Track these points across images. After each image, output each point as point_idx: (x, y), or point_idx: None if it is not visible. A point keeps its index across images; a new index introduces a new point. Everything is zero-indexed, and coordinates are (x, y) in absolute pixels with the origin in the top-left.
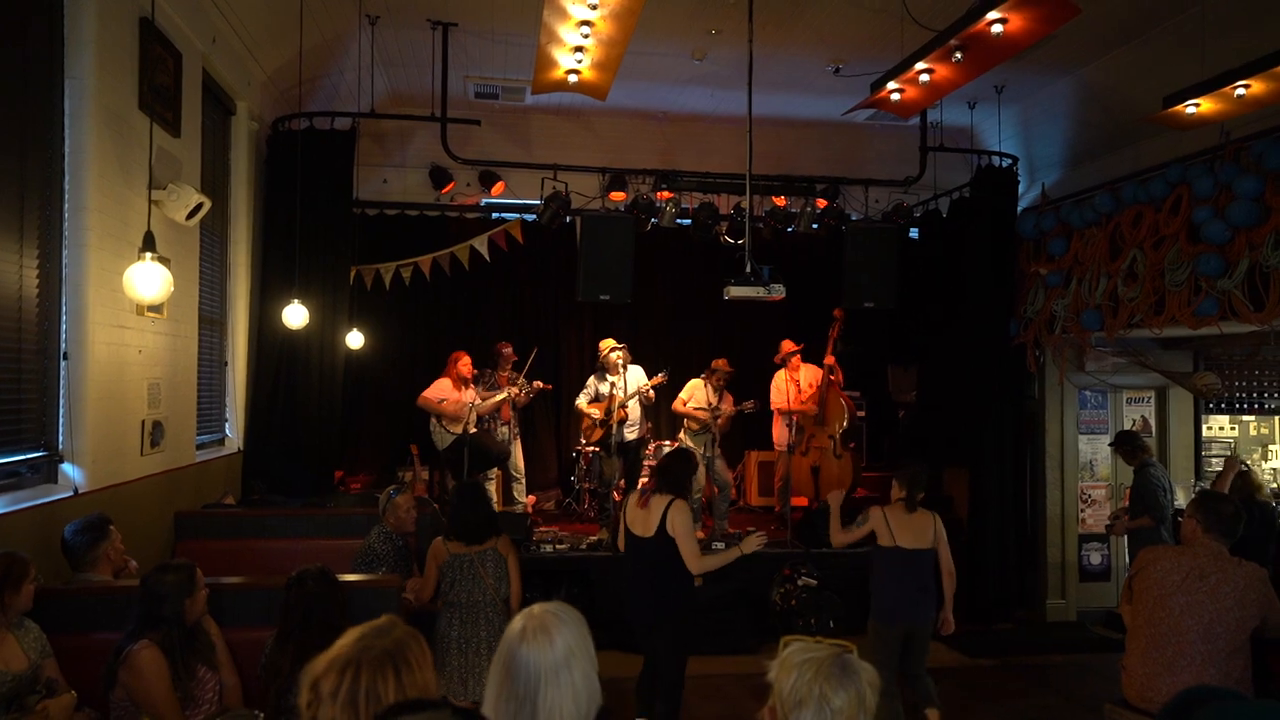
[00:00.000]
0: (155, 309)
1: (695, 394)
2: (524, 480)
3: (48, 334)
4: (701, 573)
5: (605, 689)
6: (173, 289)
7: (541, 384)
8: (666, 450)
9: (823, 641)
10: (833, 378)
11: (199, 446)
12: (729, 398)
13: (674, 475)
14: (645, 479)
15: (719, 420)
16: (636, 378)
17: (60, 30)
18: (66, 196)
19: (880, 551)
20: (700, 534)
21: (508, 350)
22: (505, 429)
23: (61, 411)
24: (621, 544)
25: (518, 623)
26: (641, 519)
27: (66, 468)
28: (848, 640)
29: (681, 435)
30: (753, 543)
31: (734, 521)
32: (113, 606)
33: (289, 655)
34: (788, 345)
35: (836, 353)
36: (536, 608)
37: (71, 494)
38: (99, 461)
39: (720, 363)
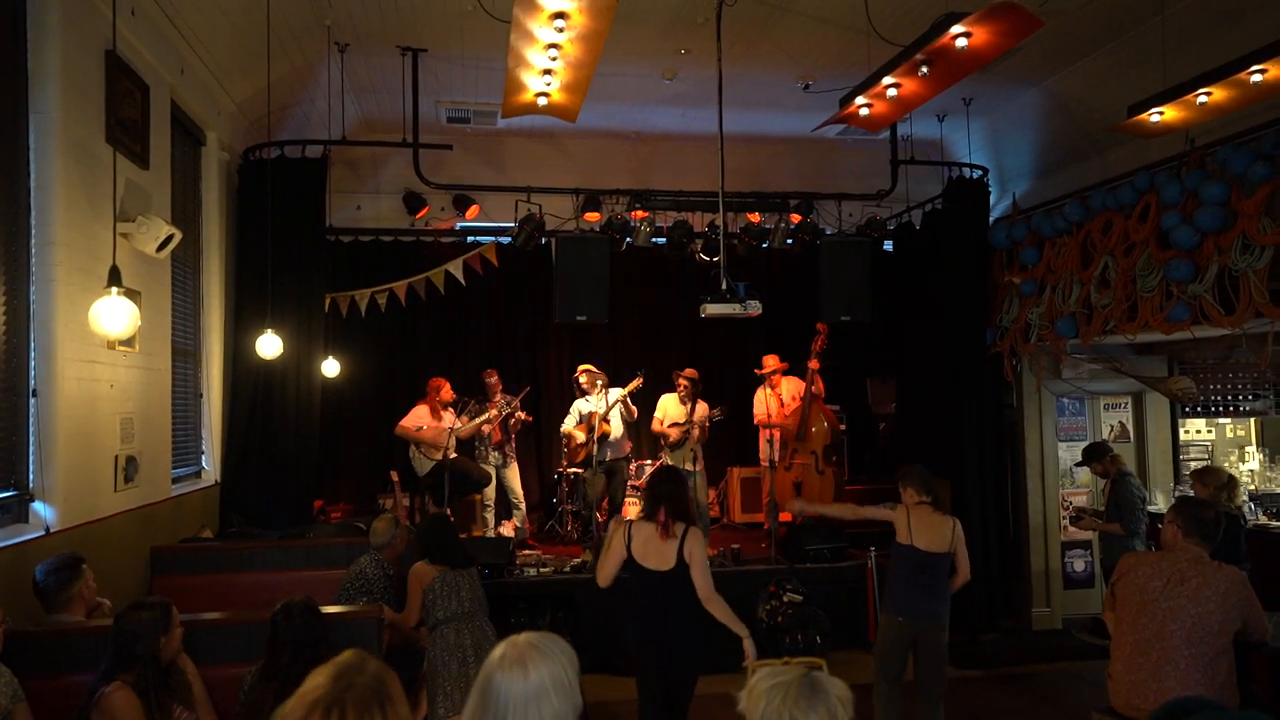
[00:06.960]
0: (126, 343)
1: (668, 409)
2: (524, 505)
3: (16, 371)
4: (709, 607)
5: (592, 711)
6: (141, 322)
7: (524, 415)
8: (649, 470)
9: (790, 662)
10: (814, 389)
11: (174, 480)
12: (703, 406)
13: (674, 499)
14: (630, 501)
15: (694, 433)
16: (616, 397)
17: (24, 64)
18: (33, 231)
19: (896, 548)
20: (710, 551)
21: (493, 380)
22: (497, 454)
23: (31, 449)
24: (608, 574)
25: (500, 649)
26: (657, 551)
27: (37, 506)
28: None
29: (663, 455)
30: (750, 649)
31: (718, 540)
32: (86, 647)
33: (272, 693)
34: (771, 362)
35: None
36: (521, 637)
37: (43, 533)
38: (71, 499)
39: (688, 373)
